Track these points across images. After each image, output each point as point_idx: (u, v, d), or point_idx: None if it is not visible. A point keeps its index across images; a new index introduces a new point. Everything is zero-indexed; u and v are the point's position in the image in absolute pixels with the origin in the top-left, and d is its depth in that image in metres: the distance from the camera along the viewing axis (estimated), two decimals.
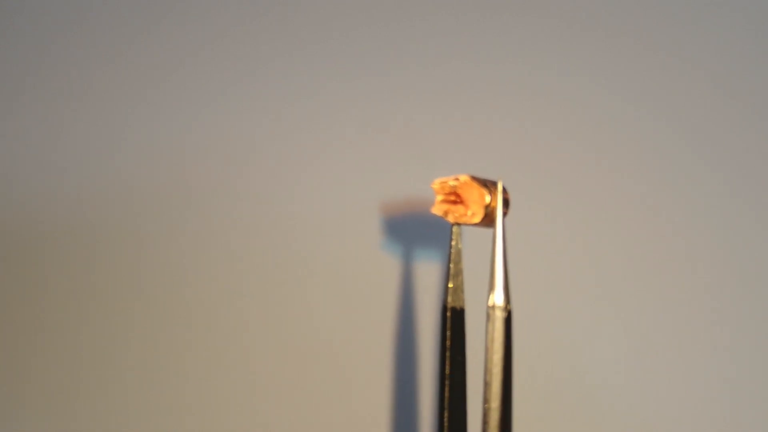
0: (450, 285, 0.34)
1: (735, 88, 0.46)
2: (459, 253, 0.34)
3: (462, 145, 0.45)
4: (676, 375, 0.43)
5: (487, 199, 0.33)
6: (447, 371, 0.33)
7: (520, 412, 0.42)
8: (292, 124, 0.46)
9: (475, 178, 0.33)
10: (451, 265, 0.34)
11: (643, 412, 0.43)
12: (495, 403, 0.32)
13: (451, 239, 0.34)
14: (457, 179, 0.33)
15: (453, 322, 0.33)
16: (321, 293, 0.44)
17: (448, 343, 0.33)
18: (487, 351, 0.32)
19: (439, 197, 0.33)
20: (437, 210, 0.33)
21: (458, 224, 0.34)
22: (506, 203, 0.33)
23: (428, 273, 0.44)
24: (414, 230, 0.44)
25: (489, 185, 0.33)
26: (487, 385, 0.32)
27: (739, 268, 0.44)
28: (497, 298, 0.32)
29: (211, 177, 0.46)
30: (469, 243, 0.41)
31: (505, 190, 0.33)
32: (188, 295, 0.45)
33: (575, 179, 0.45)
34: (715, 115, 0.45)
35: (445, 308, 0.33)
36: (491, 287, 0.33)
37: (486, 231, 0.34)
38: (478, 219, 0.33)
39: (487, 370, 0.32)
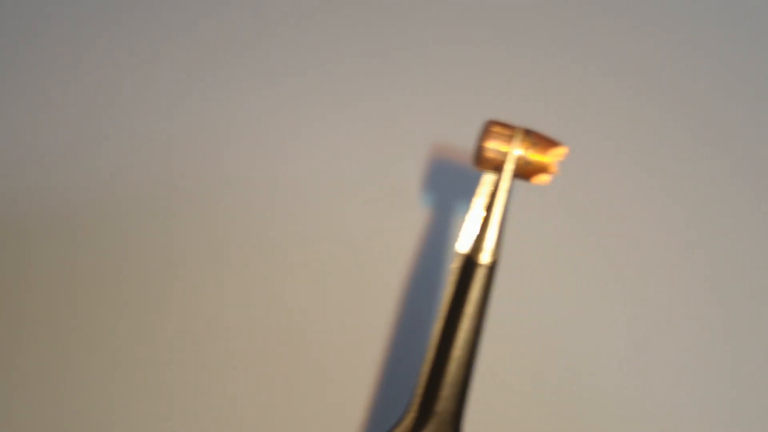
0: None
1: (741, 79, 0.46)
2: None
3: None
4: (677, 371, 0.44)
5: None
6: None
7: (520, 408, 0.44)
8: (293, 109, 0.47)
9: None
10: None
11: (644, 411, 0.44)
12: (460, 352, 0.34)
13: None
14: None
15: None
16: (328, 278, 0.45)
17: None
18: (466, 301, 0.34)
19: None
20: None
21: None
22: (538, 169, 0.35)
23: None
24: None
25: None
26: (458, 331, 0.34)
27: (741, 260, 0.44)
28: (484, 255, 0.34)
29: (201, 165, 0.46)
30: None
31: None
32: (183, 285, 0.45)
33: (580, 172, 0.46)
34: (724, 109, 0.46)
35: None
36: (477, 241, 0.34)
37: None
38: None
39: (462, 317, 0.34)
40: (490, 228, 0.34)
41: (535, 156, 0.34)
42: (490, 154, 0.34)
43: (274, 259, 0.45)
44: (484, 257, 0.34)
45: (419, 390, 0.34)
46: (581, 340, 0.44)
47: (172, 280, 0.45)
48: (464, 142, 0.46)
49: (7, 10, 0.48)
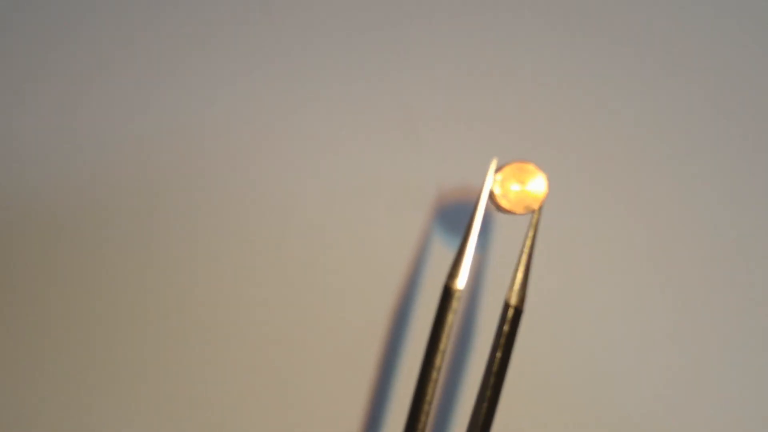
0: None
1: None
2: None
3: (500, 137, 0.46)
4: (689, 377, 0.44)
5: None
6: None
7: (529, 409, 0.43)
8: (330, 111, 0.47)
9: (522, 164, 0.34)
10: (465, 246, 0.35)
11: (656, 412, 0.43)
12: (491, 393, 0.34)
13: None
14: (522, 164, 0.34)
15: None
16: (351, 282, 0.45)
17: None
18: (496, 345, 0.34)
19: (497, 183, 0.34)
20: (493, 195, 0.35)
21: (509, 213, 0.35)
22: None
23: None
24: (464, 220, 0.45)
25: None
26: (489, 375, 0.34)
27: (754, 265, 0.44)
28: (511, 296, 0.34)
29: (203, 164, 0.46)
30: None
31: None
32: (181, 284, 0.45)
33: (586, 173, 0.45)
34: (728, 114, 0.45)
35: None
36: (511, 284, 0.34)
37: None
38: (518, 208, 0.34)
39: (493, 362, 0.34)
40: (523, 270, 0.34)
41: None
42: (527, 199, 0.34)
43: (279, 258, 0.45)
44: (512, 298, 0.34)
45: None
46: (612, 354, 0.44)
47: (168, 279, 0.45)
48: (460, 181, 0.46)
49: (33, 3, 0.48)
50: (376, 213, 0.45)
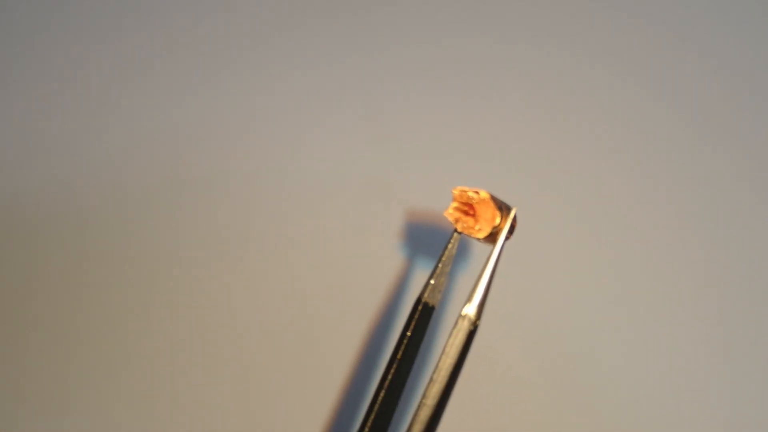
0: (431, 282, 0.35)
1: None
2: (451, 257, 0.36)
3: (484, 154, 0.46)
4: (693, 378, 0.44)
5: (497, 221, 0.35)
6: (398, 356, 0.35)
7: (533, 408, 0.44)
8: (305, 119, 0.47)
9: (493, 198, 0.35)
10: (439, 265, 0.35)
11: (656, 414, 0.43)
12: (431, 401, 0.34)
13: (448, 242, 0.35)
14: (477, 192, 0.35)
15: (420, 316, 0.35)
16: (318, 285, 0.45)
17: (408, 332, 0.35)
18: (443, 353, 0.34)
19: (455, 204, 0.35)
20: (449, 215, 0.35)
21: (462, 233, 0.35)
22: (512, 230, 0.35)
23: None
24: (426, 236, 0.45)
25: (503, 208, 0.35)
26: (431, 382, 0.34)
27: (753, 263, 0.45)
28: (470, 309, 0.34)
29: (201, 162, 0.46)
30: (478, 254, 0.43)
31: (515, 218, 0.35)
32: (183, 287, 0.45)
33: (576, 176, 0.46)
34: (727, 103, 0.46)
35: (418, 301, 0.35)
36: (469, 298, 0.34)
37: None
38: (482, 235, 0.34)
39: (436, 369, 0.34)
40: (481, 287, 0.34)
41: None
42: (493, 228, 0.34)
43: (279, 255, 0.45)
44: (470, 311, 0.34)
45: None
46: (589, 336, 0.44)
47: (172, 276, 0.45)
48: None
49: (16, 6, 0.48)
50: (339, 210, 0.45)
